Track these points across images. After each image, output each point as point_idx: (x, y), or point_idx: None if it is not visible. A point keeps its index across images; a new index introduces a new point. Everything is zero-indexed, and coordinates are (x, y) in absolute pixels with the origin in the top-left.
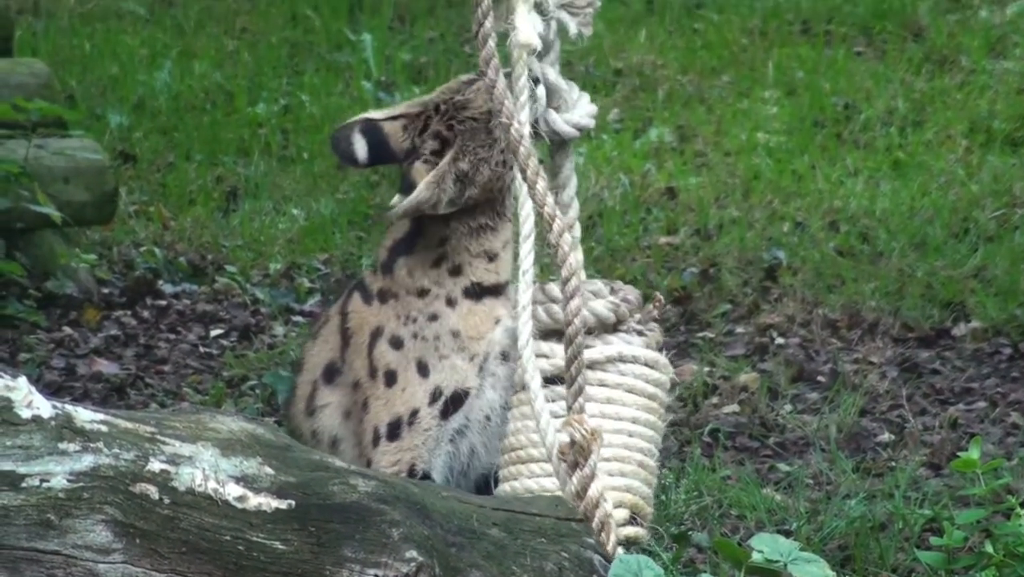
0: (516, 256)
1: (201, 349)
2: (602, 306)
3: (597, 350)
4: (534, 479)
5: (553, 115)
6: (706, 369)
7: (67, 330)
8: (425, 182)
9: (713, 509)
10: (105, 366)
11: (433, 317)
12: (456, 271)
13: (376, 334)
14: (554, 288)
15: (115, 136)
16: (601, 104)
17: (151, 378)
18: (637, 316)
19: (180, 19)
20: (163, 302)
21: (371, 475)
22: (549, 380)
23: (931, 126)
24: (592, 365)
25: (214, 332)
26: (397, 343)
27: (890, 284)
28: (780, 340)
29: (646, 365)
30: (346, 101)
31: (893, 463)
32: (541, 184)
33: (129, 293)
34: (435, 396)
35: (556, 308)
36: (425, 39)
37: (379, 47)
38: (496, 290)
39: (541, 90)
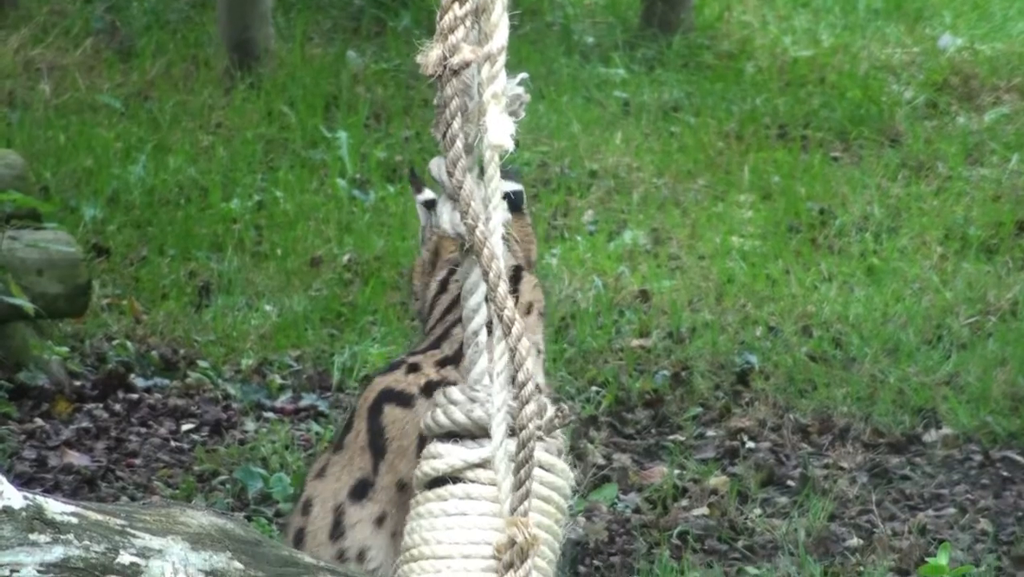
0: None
1: (172, 443)
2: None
3: (487, 449)
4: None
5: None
6: (676, 472)
7: (38, 422)
8: None
9: None
10: (76, 458)
11: None
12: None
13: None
14: (454, 391)
15: (89, 229)
16: (576, 206)
17: (122, 471)
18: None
19: (155, 113)
20: (135, 396)
21: (341, 571)
22: (439, 481)
23: (906, 232)
24: (484, 464)
25: (185, 426)
26: None
27: (862, 390)
28: (751, 444)
29: (541, 468)
30: (320, 198)
31: (861, 568)
32: (502, 288)
33: (101, 386)
34: None
35: (454, 410)
36: (401, 138)
37: (354, 145)
38: None
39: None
